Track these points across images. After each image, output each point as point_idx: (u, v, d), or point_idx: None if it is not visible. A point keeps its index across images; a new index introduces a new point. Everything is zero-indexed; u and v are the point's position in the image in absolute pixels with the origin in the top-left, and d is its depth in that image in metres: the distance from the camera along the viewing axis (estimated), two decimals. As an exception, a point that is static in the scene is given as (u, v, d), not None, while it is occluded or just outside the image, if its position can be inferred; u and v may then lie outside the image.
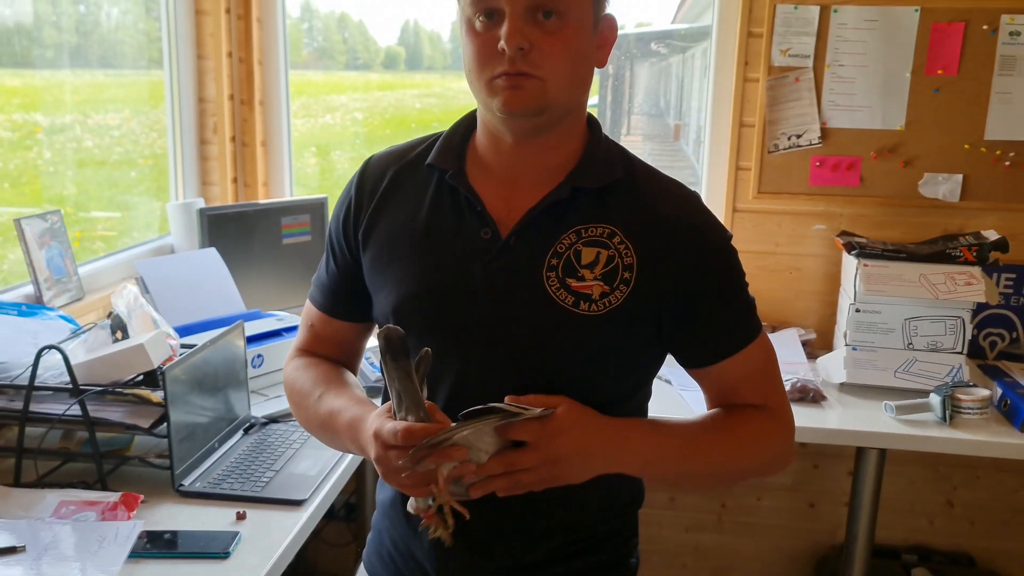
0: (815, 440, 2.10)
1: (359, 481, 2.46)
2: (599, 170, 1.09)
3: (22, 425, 1.60)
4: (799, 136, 2.43)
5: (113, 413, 1.61)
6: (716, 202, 2.53)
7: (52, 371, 1.65)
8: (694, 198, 1.12)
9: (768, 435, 1.14)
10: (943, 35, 2.32)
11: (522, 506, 1.09)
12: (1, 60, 2.15)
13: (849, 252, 2.27)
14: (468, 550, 1.12)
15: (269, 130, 2.76)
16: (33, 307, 1.88)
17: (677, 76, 3.00)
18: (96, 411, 1.61)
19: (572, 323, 1.05)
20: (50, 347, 1.61)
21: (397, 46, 3.54)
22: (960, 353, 2.16)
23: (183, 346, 1.87)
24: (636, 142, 2.97)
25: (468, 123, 1.15)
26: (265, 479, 1.64)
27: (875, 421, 2.03)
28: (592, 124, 1.14)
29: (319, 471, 1.68)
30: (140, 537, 1.42)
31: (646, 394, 1.18)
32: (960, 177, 2.39)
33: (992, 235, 2.25)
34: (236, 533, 1.45)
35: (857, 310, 2.21)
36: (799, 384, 2.13)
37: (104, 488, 1.58)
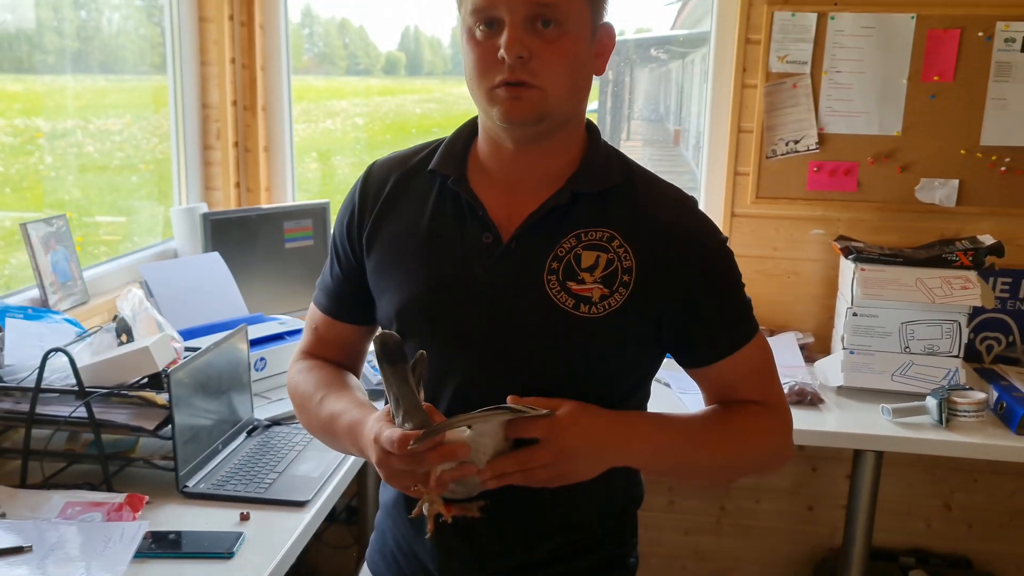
0: (813, 443, 2.12)
1: (360, 484, 2.47)
2: (598, 175, 1.11)
3: (28, 427, 1.62)
4: (797, 142, 2.46)
5: (118, 415, 1.63)
6: (715, 207, 2.55)
7: (58, 374, 1.67)
8: (691, 202, 1.14)
9: (768, 429, 1.16)
10: (939, 42, 2.35)
11: (523, 506, 1.11)
12: (3, 65, 2.16)
13: (846, 256, 2.29)
14: (470, 550, 1.14)
15: (272, 135, 2.79)
16: (39, 311, 1.90)
17: (677, 81, 3.01)
18: (102, 413, 1.62)
19: (573, 325, 1.07)
20: (56, 350, 1.63)
21: (397, 51, 3.56)
22: (956, 357, 2.18)
23: (187, 349, 1.89)
24: (636, 147, 2.99)
25: (470, 129, 1.17)
26: (268, 480, 1.66)
27: (872, 424, 2.05)
28: (591, 130, 1.16)
29: (322, 473, 1.70)
30: (145, 537, 1.44)
31: (645, 394, 1.20)
32: (956, 182, 2.41)
33: (988, 240, 2.27)
34: (240, 534, 1.47)
35: (854, 314, 2.22)
36: (797, 387, 2.15)
37: (109, 489, 1.60)
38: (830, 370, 2.27)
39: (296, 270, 2.57)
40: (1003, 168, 2.39)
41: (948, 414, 2.03)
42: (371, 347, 1.28)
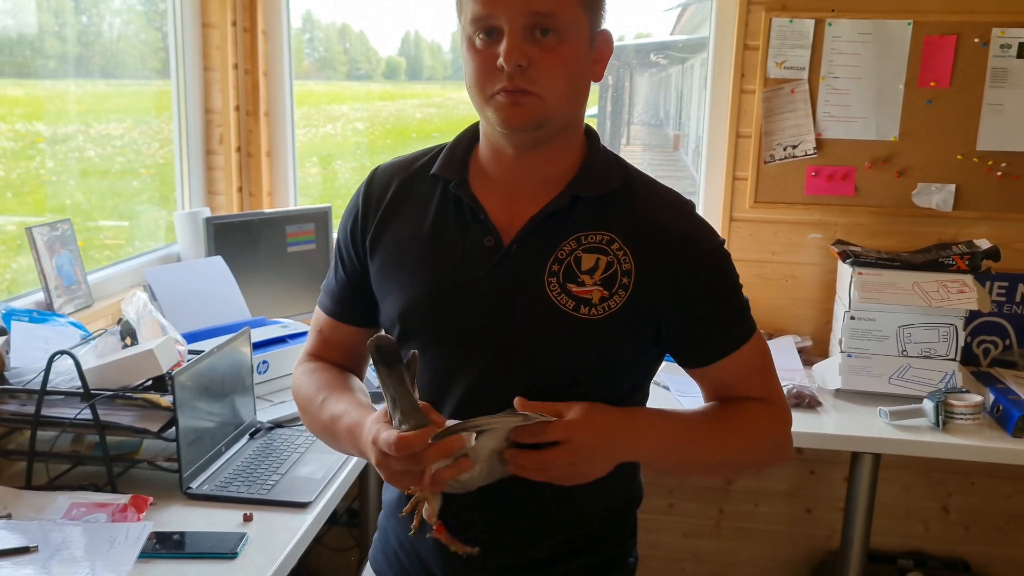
0: (811, 445, 2.13)
1: (362, 486, 2.49)
2: (598, 179, 1.13)
3: (34, 429, 1.64)
4: (795, 147, 2.48)
5: (123, 417, 1.65)
6: (713, 211, 2.57)
7: (63, 376, 1.68)
8: (688, 205, 1.16)
9: (768, 424, 1.18)
10: (935, 48, 2.37)
11: (523, 506, 1.13)
12: (4, 70, 2.17)
13: (844, 261, 2.31)
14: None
15: (274, 140, 2.81)
16: (44, 314, 1.92)
17: (676, 87, 3.03)
18: (106, 415, 1.64)
19: (573, 327, 1.09)
20: (62, 352, 1.64)
21: (398, 56, 3.57)
22: (953, 360, 2.20)
23: (190, 352, 1.91)
24: (636, 152, 3.00)
25: (471, 134, 1.19)
26: (271, 482, 1.67)
27: (870, 426, 2.07)
28: (590, 135, 1.18)
29: (324, 474, 1.71)
30: (150, 538, 1.45)
31: (645, 394, 1.22)
32: (953, 187, 2.43)
33: (984, 244, 2.29)
34: (243, 534, 1.48)
35: (852, 317, 2.24)
36: (795, 390, 2.16)
37: (114, 490, 1.61)
38: (828, 373, 2.29)
39: (298, 274, 2.58)
40: (999, 173, 2.41)
41: (945, 417, 2.04)
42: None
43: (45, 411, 1.64)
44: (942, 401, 2.05)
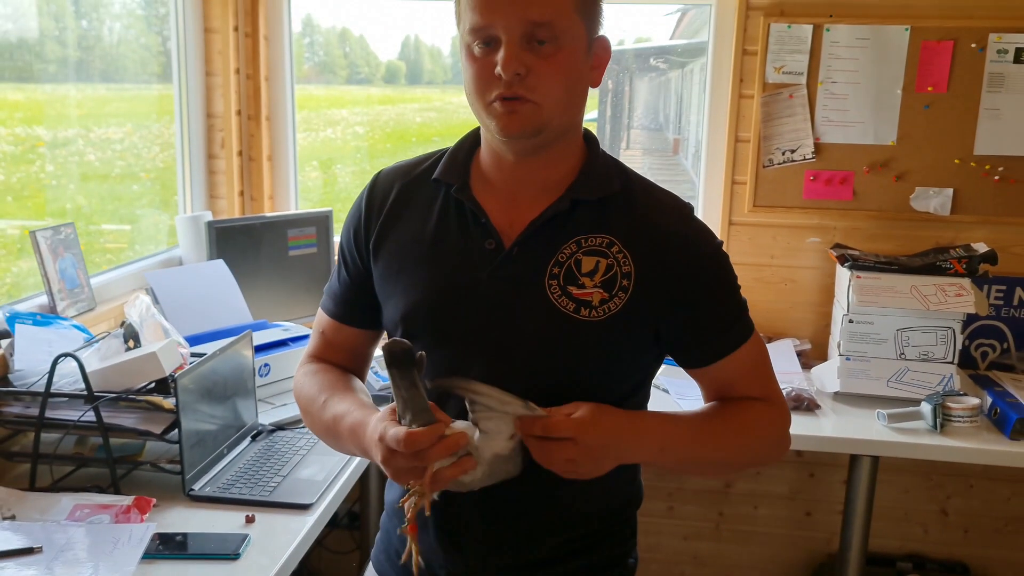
0: (810, 448, 2.14)
1: (363, 489, 2.50)
2: (597, 183, 1.15)
3: (38, 431, 1.65)
4: (793, 151, 2.49)
5: (126, 419, 1.66)
6: (713, 215, 2.58)
7: (67, 378, 1.69)
8: (687, 209, 1.18)
9: (768, 421, 1.20)
10: (933, 53, 2.39)
11: (524, 506, 1.14)
12: (4, 74, 2.18)
13: (842, 264, 2.32)
14: (473, 549, 1.17)
15: (275, 145, 2.82)
16: (47, 317, 1.93)
17: (676, 91, 3.04)
18: (110, 417, 1.65)
19: (573, 328, 1.10)
20: (66, 355, 1.65)
21: (398, 61, 3.57)
22: (951, 363, 2.21)
23: (193, 355, 1.92)
24: (635, 156, 3.01)
25: (472, 139, 1.21)
26: (273, 484, 1.68)
27: (868, 429, 2.08)
28: (590, 140, 1.19)
29: (325, 476, 1.72)
30: (153, 539, 1.46)
31: (645, 395, 1.23)
32: (951, 191, 2.44)
33: (982, 248, 2.30)
34: (246, 535, 1.49)
35: (850, 321, 2.25)
36: (794, 393, 2.17)
37: (117, 492, 1.63)
38: (826, 376, 2.30)
39: (300, 277, 2.59)
40: (996, 177, 2.42)
41: (943, 420, 2.05)
42: (376, 352, 1.31)
43: (49, 413, 1.65)
44: (940, 404, 2.06)
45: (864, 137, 2.46)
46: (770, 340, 2.53)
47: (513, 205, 1.15)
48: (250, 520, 1.55)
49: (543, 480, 1.08)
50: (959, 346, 2.21)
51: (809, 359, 2.49)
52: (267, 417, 1.99)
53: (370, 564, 1.32)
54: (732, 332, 1.17)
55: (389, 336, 1.22)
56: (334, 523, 2.62)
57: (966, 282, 2.21)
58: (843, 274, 2.33)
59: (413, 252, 1.17)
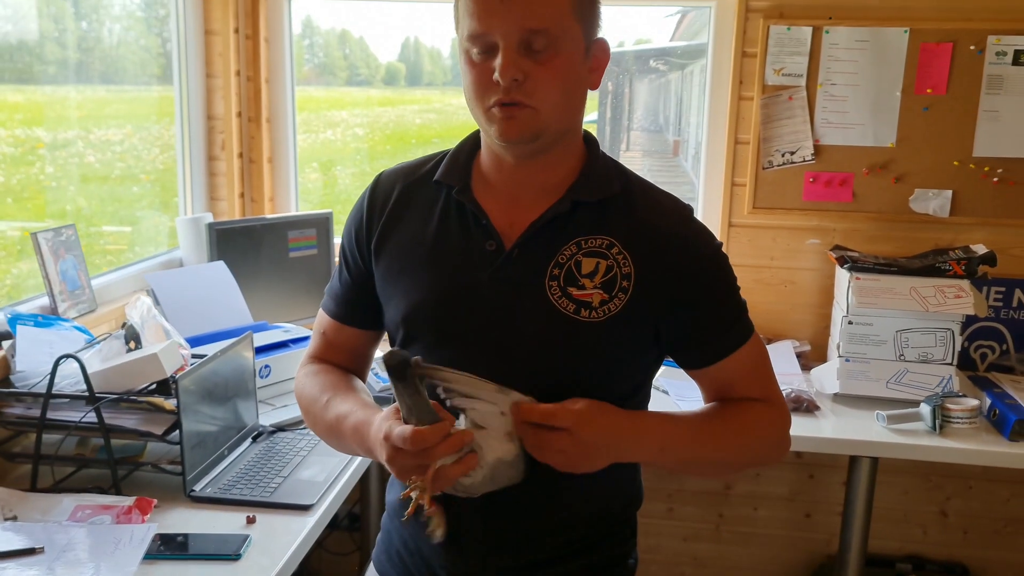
0: (810, 449, 2.15)
1: (363, 491, 2.50)
2: (597, 185, 1.15)
3: (39, 432, 1.65)
4: (793, 153, 2.50)
5: (127, 420, 1.66)
6: (712, 217, 2.58)
7: (68, 380, 1.70)
8: (687, 210, 1.18)
9: (768, 422, 1.21)
10: (932, 55, 2.39)
11: (524, 506, 1.15)
12: (4, 76, 2.18)
13: (842, 266, 2.32)
14: (474, 549, 1.17)
15: (276, 146, 2.83)
16: (49, 318, 1.93)
17: (676, 92, 3.04)
18: (111, 418, 1.66)
19: (574, 329, 1.11)
20: (67, 356, 1.66)
21: (397, 62, 3.58)
22: (950, 364, 2.21)
23: (194, 356, 1.92)
24: (635, 158, 3.01)
25: (473, 141, 1.21)
26: (274, 485, 1.69)
27: (867, 430, 2.08)
28: (590, 141, 1.20)
29: (326, 477, 1.73)
30: (154, 540, 1.47)
31: (645, 396, 1.23)
32: (950, 193, 2.45)
33: (981, 249, 2.30)
34: (247, 536, 1.50)
35: (850, 322, 2.26)
36: (793, 395, 2.18)
37: (118, 493, 1.63)
38: (826, 378, 2.31)
39: (300, 279, 2.60)
40: (995, 179, 2.43)
41: (942, 421, 2.06)
42: (377, 352, 1.31)
43: (50, 414, 1.65)
44: (939, 405, 2.06)
45: (863, 139, 2.46)
46: (770, 341, 2.53)
47: (513, 207, 1.15)
48: (251, 521, 1.56)
49: (543, 481, 1.09)
50: (958, 348, 2.21)
51: (809, 360, 2.49)
52: (268, 418, 2.00)
53: (371, 564, 1.32)
54: (732, 333, 1.18)
55: (390, 337, 1.23)
56: (334, 525, 2.63)
57: (965, 284, 2.21)
58: (842, 276, 2.33)
59: (414, 253, 1.17)
